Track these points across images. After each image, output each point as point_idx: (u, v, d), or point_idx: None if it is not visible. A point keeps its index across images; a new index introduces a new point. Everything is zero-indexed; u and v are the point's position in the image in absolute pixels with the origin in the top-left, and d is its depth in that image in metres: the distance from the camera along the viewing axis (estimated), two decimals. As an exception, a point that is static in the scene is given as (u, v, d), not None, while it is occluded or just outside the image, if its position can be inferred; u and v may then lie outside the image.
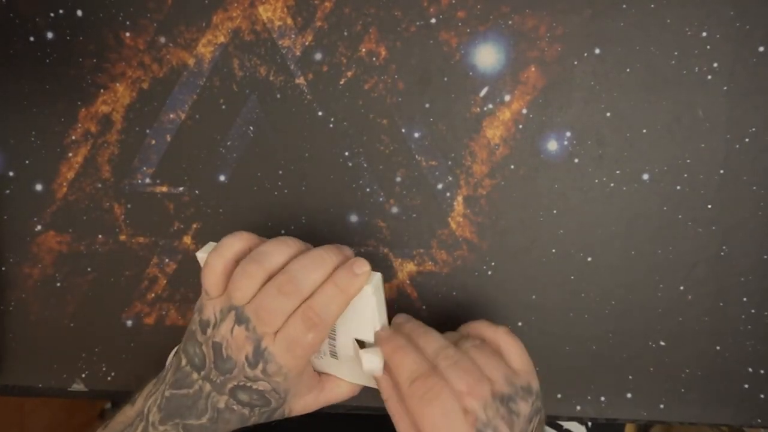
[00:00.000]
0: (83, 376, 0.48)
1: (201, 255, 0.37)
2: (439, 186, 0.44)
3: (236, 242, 0.35)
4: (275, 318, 0.33)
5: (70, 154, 0.46)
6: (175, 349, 0.46)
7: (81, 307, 0.47)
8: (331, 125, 0.44)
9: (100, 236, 0.46)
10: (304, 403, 0.38)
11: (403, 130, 0.44)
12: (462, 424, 0.31)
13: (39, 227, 0.47)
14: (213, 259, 0.35)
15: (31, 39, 0.45)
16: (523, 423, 0.33)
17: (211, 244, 0.38)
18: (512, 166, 0.44)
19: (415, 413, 0.32)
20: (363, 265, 0.34)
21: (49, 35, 0.45)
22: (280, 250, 0.35)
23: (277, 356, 0.34)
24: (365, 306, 0.35)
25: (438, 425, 0.31)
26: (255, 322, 0.33)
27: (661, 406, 0.44)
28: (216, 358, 0.35)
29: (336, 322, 0.35)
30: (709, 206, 0.43)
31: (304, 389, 0.37)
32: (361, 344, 0.37)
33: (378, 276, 0.35)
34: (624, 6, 0.42)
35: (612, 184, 0.43)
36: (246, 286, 0.34)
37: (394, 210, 0.45)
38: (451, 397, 0.32)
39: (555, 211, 0.44)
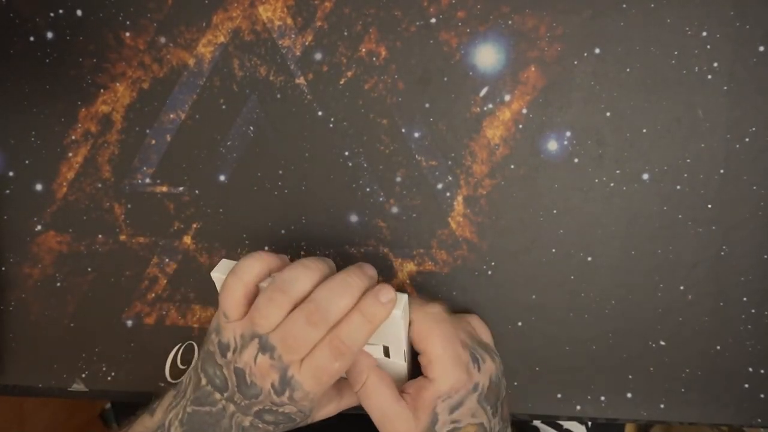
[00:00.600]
0: (83, 376, 0.48)
1: (217, 275, 0.36)
2: (439, 186, 0.44)
3: (256, 264, 0.35)
4: (303, 347, 0.33)
5: (70, 154, 0.46)
6: (174, 350, 0.47)
7: (81, 307, 0.47)
8: (331, 125, 0.44)
9: (100, 236, 0.46)
10: (325, 412, 0.39)
11: (403, 130, 0.44)
12: (460, 346, 0.36)
13: (39, 227, 0.47)
14: (232, 282, 0.35)
15: (31, 39, 0.45)
16: (497, 367, 0.38)
17: (225, 262, 0.37)
18: (512, 166, 0.44)
19: (427, 331, 0.36)
20: (389, 293, 0.34)
21: (49, 35, 0.45)
22: (305, 276, 0.34)
23: (304, 384, 0.34)
24: (393, 327, 0.35)
25: (445, 342, 0.36)
26: (281, 350, 0.33)
27: (661, 406, 0.44)
28: (239, 384, 0.34)
29: None
30: (709, 206, 0.43)
31: (325, 401, 0.38)
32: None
33: (405, 298, 0.35)
34: (624, 6, 0.42)
35: (612, 184, 0.43)
36: (272, 314, 0.33)
37: (394, 210, 0.45)
38: (452, 324, 0.37)
39: (555, 211, 0.44)
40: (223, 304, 0.35)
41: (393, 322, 0.35)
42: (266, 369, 0.34)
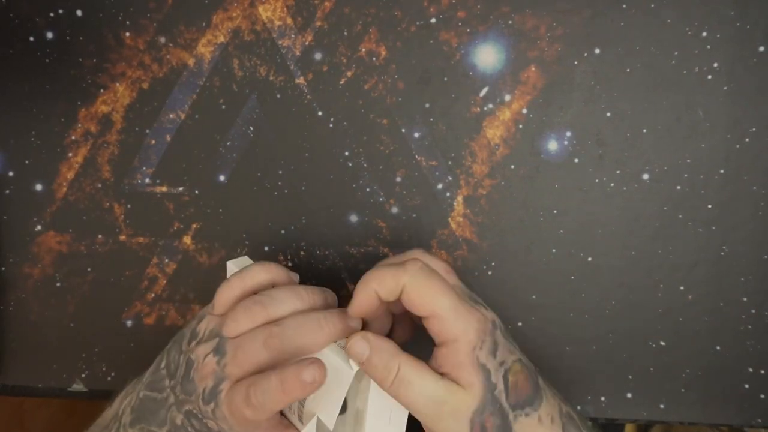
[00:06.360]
0: (83, 376, 0.48)
1: (231, 266, 0.38)
2: (439, 186, 0.44)
3: (262, 273, 0.36)
4: (248, 364, 0.32)
5: (70, 154, 0.46)
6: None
7: (81, 307, 0.47)
8: (331, 125, 0.44)
9: (100, 236, 0.46)
10: None
11: (403, 130, 0.44)
12: (458, 293, 0.32)
13: (39, 227, 0.47)
14: (235, 281, 0.35)
15: (31, 39, 0.45)
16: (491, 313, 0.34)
17: (245, 260, 0.39)
18: (512, 166, 0.44)
19: (425, 292, 0.31)
20: (314, 374, 0.31)
21: (49, 35, 0.45)
22: (292, 301, 0.34)
23: (224, 406, 0.32)
24: (338, 386, 0.32)
25: (448, 293, 0.31)
26: (229, 359, 0.33)
27: (661, 406, 0.44)
28: (185, 375, 0.34)
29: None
30: (709, 206, 0.43)
31: None
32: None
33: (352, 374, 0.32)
34: (624, 6, 0.42)
35: (612, 184, 0.43)
36: (241, 321, 0.33)
37: (394, 210, 0.45)
38: (437, 274, 0.32)
39: (555, 211, 0.44)
40: (217, 296, 0.35)
41: (342, 381, 0.32)
42: (208, 371, 0.33)
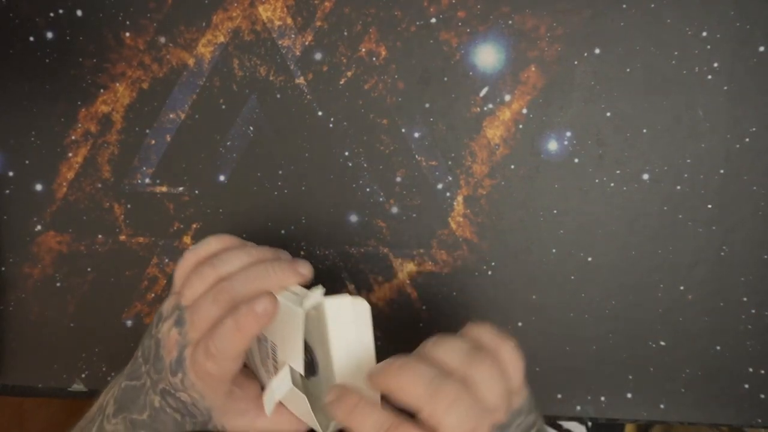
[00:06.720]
0: (83, 376, 0.48)
1: None
2: (439, 186, 0.44)
3: (214, 244, 0.35)
4: (204, 324, 0.32)
5: (70, 154, 0.46)
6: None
7: (81, 307, 0.47)
8: (331, 125, 0.44)
9: (100, 236, 0.46)
10: (240, 424, 0.36)
11: (403, 130, 0.44)
12: None
13: (39, 227, 0.47)
14: (188, 254, 0.35)
15: (31, 39, 0.45)
16: None
17: None
18: (512, 166, 0.44)
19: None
20: (266, 304, 0.31)
21: (49, 35, 0.45)
22: (239, 258, 0.34)
23: (190, 372, 0.33)
24: (295, 330, 0.31)
25: None
26: (189, 326, 0.33)
27: (661, 406, 0.44)
28: (155, 354, 0.34)
29: (275, 341, 0.33)
30: (709, 206, 0.43)
31: (234, 411, 0.35)
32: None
33: (325, 302, 0.31)
34: (624, 6, 0.42)
35: (612, 184, 0.43)
36: (195, 285, 0.33)
37: (394, 210, 0.45)
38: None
39: (555, 211, 0.44)
40: (174, 273, 0.35)
41: (294, 322, 0.31)
42: (173, 343, 0.33)
